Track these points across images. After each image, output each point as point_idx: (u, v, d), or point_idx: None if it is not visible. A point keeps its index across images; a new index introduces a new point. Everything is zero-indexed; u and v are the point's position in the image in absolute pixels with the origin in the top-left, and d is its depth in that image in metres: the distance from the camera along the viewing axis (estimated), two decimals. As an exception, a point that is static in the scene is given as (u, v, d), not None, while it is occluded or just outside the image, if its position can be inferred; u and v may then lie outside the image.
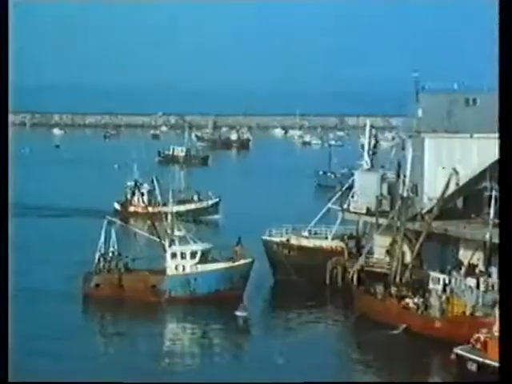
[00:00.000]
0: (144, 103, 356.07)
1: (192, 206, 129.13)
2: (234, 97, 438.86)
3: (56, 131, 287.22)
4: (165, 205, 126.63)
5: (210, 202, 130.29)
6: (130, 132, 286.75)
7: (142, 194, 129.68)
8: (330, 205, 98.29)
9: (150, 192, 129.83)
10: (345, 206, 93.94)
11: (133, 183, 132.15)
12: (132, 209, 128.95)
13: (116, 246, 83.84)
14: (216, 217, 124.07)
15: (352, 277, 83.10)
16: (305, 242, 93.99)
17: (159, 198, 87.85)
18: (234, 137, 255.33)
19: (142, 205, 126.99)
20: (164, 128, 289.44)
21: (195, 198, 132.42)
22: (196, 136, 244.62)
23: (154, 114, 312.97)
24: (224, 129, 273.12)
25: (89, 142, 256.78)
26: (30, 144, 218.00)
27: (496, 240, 76.17)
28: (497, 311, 66.02)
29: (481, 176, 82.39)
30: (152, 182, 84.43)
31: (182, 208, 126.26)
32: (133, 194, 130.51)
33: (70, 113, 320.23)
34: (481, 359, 60.06)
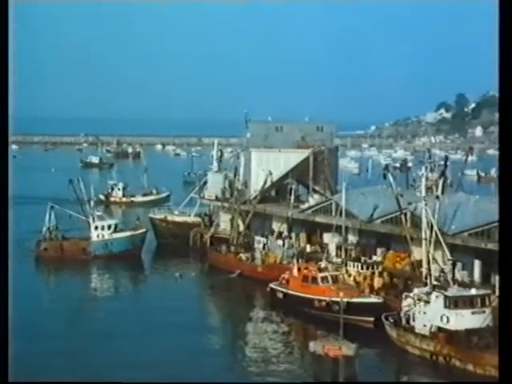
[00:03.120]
0: (71, 127, 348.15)
1: (152, 198, 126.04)
2: (129, 122, 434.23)
3: (13, 146, 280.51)
4: (133, 196, 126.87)
5: (164, 195, 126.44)
6: (62, 147, 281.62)
7: (119, 189, 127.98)
8: (192, 194, 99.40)
9: (125, 188, 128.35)
10: (202, 195, 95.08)
11: (113, 182, 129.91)
12: (112, 199, 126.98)
13: (55, 222, 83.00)
14: (169, 204, 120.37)
15: (206, 240, 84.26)
16: (176, 218, 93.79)
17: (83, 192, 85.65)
18: (130, 150, 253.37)
19: (119, 196, 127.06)
20: (85, 144, 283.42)
21: (154, 191, 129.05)
22: (106, 150, 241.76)
23: (78, 135, 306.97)
24: (124, 145, 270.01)
25: (35, 153, 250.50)
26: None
27: (296, 216, 78.79)
28: (295, 260, 68.57)
29: (285, 176, 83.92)
30: (78, 181, 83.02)
31: (147, 198, 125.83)
32: (112, 189, 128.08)
33: (22, 134, 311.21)
34: (285, 290, 61.15)
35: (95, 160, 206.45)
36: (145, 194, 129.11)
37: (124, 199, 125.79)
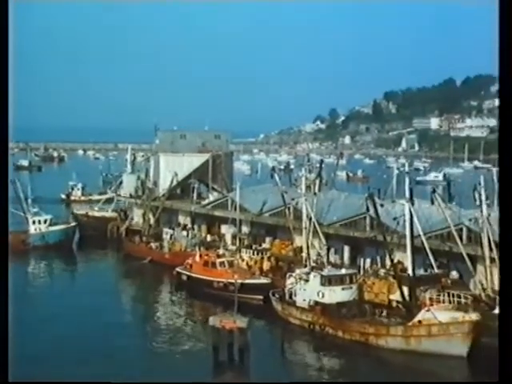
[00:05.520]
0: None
1: (107, 196, 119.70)
2: (54, 130, 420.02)
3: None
4: (91, 195, 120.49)
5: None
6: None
7: (78, 189, 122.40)
8: (110, 192, 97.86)
9: (84, 188, 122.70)
10: (118, 193, 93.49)
11: (73, 183, 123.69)
12: (72, 198, 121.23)
13: None
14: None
15: (122, 232, 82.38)
16: (96, 214, 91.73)
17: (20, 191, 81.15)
18: (55, 154, 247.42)
19: (78, 195, 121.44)
20: (16, 150, 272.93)
21: (107, 190, 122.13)
22: (34, 154, 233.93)
23: (10, 141, 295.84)
24: (50, 150, 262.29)
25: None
26: None
27: (198, 211, 78.27)
28: (197, 248, 67.79)
29: (189, 176, 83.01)
30: (15, 181, 79.69)
31: (102, 197, 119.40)
32: (72, 189, 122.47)
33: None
34: (188, 273, 60.59)
35: (25, 163, 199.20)
36: (100, 193, 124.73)
37: (83, 198, 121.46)
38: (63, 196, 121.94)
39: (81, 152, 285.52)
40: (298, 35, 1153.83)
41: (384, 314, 47.72)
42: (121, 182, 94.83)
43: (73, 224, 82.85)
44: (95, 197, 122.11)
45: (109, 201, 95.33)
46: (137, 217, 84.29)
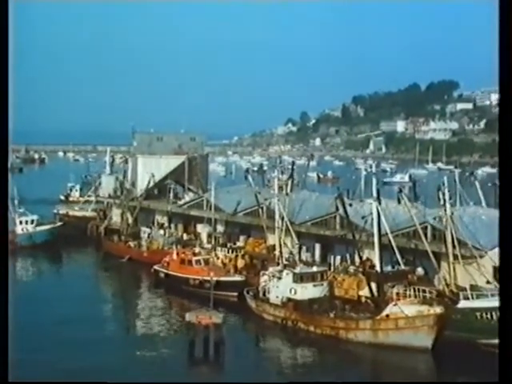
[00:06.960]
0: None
1: (91, 198, 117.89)
2: (34, 133, 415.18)
3: None
4: (89, 196, 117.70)
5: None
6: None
7: (76, 190, 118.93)
8: (89, 193, 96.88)
9: (81, 189, 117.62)
10: (97, 194, 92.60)
11: (72, 184, 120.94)
12: (71, 199, 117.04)
13: None
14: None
15: (101, 231, 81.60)
16: (76, 213, 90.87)
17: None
18: (36, 156, 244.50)
19: (77, 196, 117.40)
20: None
21: (90, 193, 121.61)
22: (15, 156, 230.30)
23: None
24: (31, 152, 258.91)
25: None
26: None
27: (174, 210, 77.78)
28: (174, 246, 67.28)
29: (165, 178, 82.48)
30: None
31: (89, 198, 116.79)
32: (70, 190, 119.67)
33: None
34: (166, 271, 60.11)
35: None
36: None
37: (81, 199, 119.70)
38: (62, 197, 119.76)
39: (61, 154, 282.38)
40: (271, 39, 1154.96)
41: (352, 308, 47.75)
42: (100, 183, 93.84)
43: (59, 224, 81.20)
44: (92, 198, 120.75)
45: (90, 201, 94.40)
46: (115, 216, 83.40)
